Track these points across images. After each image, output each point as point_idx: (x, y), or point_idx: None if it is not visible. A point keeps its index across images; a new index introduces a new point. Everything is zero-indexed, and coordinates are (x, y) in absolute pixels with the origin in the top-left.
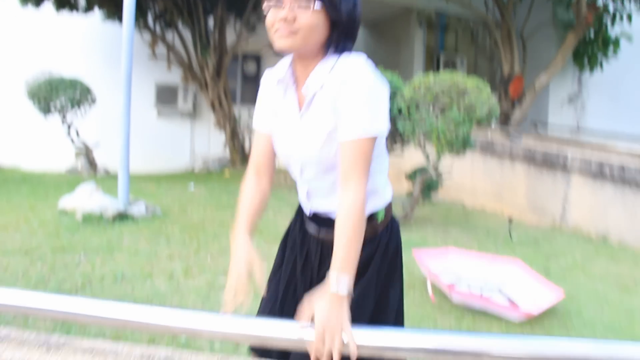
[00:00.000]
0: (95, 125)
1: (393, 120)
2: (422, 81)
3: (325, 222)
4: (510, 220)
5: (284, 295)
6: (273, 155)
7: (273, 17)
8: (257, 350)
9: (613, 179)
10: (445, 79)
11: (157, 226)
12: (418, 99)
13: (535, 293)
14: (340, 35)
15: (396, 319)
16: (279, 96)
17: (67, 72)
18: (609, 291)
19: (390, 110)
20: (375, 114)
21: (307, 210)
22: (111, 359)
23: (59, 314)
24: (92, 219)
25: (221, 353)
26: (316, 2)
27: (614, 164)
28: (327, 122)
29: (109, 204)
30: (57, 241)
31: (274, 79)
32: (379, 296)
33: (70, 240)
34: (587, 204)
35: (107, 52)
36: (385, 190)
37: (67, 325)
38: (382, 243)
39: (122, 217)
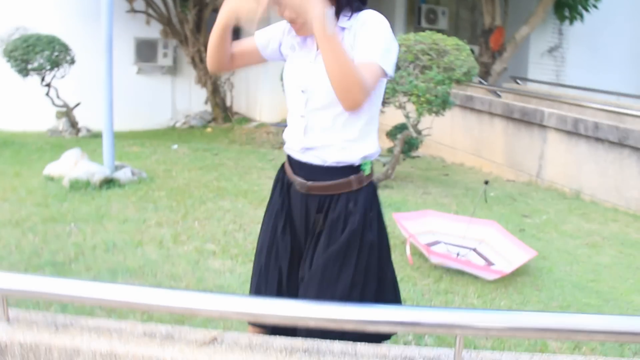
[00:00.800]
0: (74, 83)
1: None
2: (403, 40)
3: (314, 171)
4: (486, 182)
5: (275, 269)
6: (243, 53)
7: (281, 13)
8: (254, 324)
9: (587, 136)
10: (425, 38)
11: (143, 191)
12: (399, 58)
13: (509, 253)
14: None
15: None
16: (293, 37)
17: (41, 28)
18: (578, 248)
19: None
20: (387, 53)
21: (300, 147)
22: (116, 336)
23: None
24: (79, 186)
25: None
26: None
27: (588, 120)
28: None
29: (96, 170)
30: (47, 210)
31: (282, 29)
32: (375, 269)
33: (59, 209)
34: (562, 161)
35: (81, 6)
36: (376, 145)
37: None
38: (360, 203)
39: (108, 182)
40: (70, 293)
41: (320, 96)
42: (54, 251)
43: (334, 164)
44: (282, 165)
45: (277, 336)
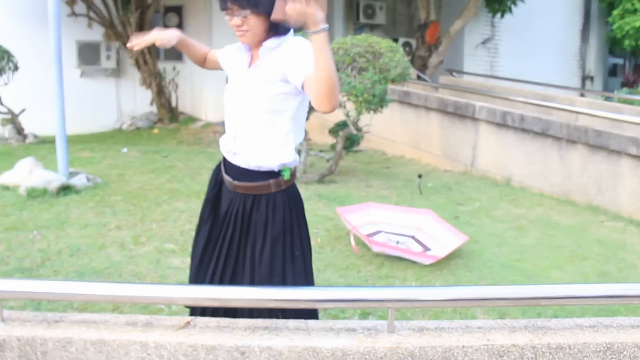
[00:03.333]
0: (17, 89)
1: None
2: (340, 44)
3: (239, 173)
4: (419, 176)
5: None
6: (213, 59)
7: (229, 22)
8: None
9: (515, 128)
10: (361, 41)
11: (100, 197)
12: (337, 61)
13: (444, 239)
14: (274, 25)
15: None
16: (237, 55)
17: None
18: (507, 232)
19: None
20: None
21: (229, 151)
22: (103, 326)
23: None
24: (36, 194)
25: (188, 316)
26: (246, 11)
27: (515, 113)
28: (271, 75)
29: (52, 178)
30: (7, 219)
31: (235, 48)
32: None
33: (20, 218)
34: (493, 151)
35: (21, 11)
36: (295, 154)
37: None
38: (279, 205)
39: (65, 189)
40: (60, 291)
41: (247, 108)
42: (20, 258)
43: (256, 168)
44: (218, 165)
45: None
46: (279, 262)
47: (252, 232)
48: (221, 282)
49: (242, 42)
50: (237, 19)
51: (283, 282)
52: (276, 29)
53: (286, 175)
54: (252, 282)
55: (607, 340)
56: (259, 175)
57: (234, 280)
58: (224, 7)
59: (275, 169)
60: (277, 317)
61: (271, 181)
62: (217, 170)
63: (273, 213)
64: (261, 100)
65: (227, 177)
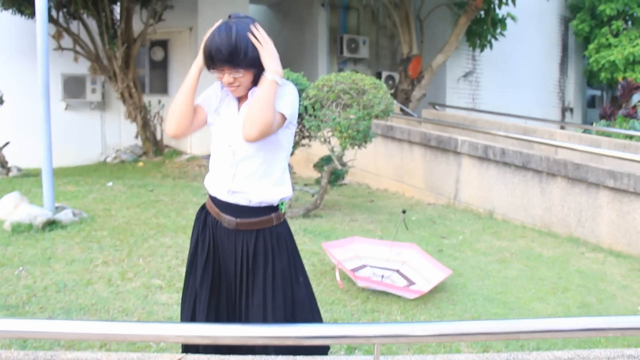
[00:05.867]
0: (0, 121)
1: (300, 117)
2: (325, 81)
3: (240, 210)
4: (404, 212)
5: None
6: (196, 116)
7: (218, 77)
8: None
9: (496, 161)
10: (345, 78)
11: (86, 232)
12: (322, 97)
13: (428, 273)
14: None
15: (311, 305)
16: (223, 102)
17: None
18: (490, 264)
19: (297, 109)
20: (291, 107)
21: (229, 190)
22: None
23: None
24: (21, 229)
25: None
26: (240, 70)
27: (496, 147)
28: None
29: (38, 213)
30: None
31: (221, 88)
32: (291, 290)
33: (4, 253)
34: (475, 184)
35: (5, 44)
36: (290, 189)
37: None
38: (282, 236)
39: (51, 224)
40: (52, 330)
41: (243, 148)
42: (5, 294)
43: (258, 204)
44: (203, 206)
45: (233, 355)
46: (289, 290)
47: (262, 266)
48: (235, 319)
49: (234, 96)
50: (230, 77)
51: (293, 309)
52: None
53: (283, 209)
54: (265, 313)
55: None
56: (261, 210)
57: (247, 314)
58: (213, 67)
59: (275, 203)
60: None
61: (273, 215)
62: (204, 213)
63: (278, 245)
64: (261, 140)
65: (226, 217)
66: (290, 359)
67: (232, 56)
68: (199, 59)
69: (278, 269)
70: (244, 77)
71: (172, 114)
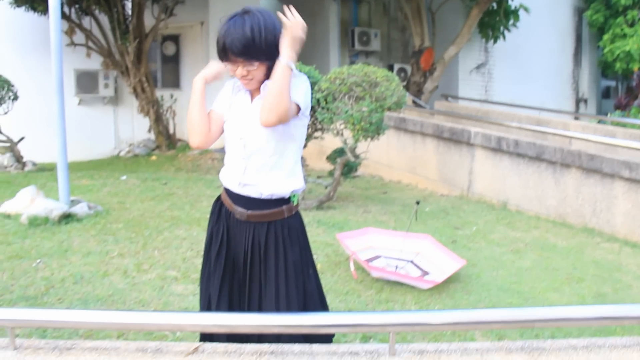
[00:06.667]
0: (15, 117)
1: (313, 110)
2: (337, 73)
3: (252, 203)
4: (417, 203)
5: (226, 287)
6: (214, 123)
7: (231, 69)
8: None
9: (510, 152)
10: (357, 71)
11: (102, 225)
12: (334, 90)
13: (442, 263)
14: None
15: (320, 298)
16: (235, 96)
17: None
18: (504, 255)
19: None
20: (306, 97)
21: (240, 183)
22: (114, 354)
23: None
24: (38, 222)
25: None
26: (254, 63)
27: (510, 138)
28: None
29: (54, 206)
30: (9, 248)
31: (233, 85)
32: (302, 280)
33: (22, 246)
34: (489, 175)
35: (18, 41)
36: (302, 180)
37: (41, 331)
38: (294, 228)
39: (67, 217)
40: (73, 320)
41: (254, 141)
42: (24, 286)
43: (269, 197)
44: (218, 198)
45: (248, 343)
46: (301, 282)
47: (273, 257)
48: (247, 307)
49: (246, 89)
50: (243, 70)
51: (304, 300)
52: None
53: (295, 201)
54: (278, 303)
55: None
56: (272, 202)
57: (261, 304)
58: (227, 60)
59: (287, 196)
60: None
61: (284, 207)
62: (219, 204)
63: (290, 237)
64: (271, 131)
65: (238, 209)
66: (306, 347)
67: (246, 49)
68: (202, 72)
69: (290, 261)
70: (258, 70)
71: (190, 128)
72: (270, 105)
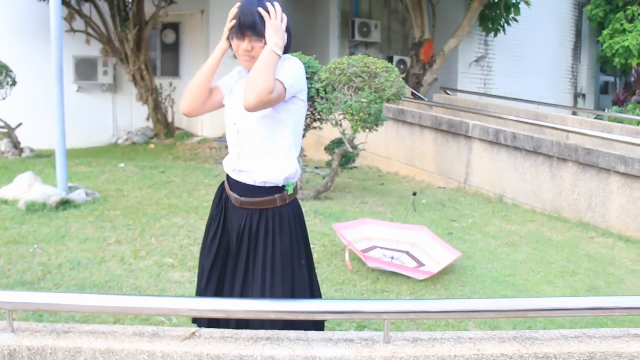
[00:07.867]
0: (13, 102)
1: (312, 100)
2: (337, 64)
3: (246, 189)
4: (414, 194)
5: (220, 270)
6: (212, 97)
7: (237, 46)
8: (197, 321)
9: (507, 145)
10: (357, 61)
11: (99, 211)
12: (333, 80)
13: (437, 254)
14: None
15: (312, 289)
16: (236, 84)
17: None
18: (499, 247)
19: (309, 90)
20: (292, 77)
21: (234, 169)
22: (111, 338)
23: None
24: (35, 208)
25: (192, 327)
26: (262, 39)
27: (507, 131)
28: None
29: (51, 192)
30: (6, 233)
31: (239, 72)
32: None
33: (19, 231)
34: (486, 168)
35: (17, 27)
36: (296, 166)
37: (40, 314)
38: (285, 218)
39: (64, 203)
40: (71, 303)
41: (245, 126)
42: (21, 271)
43: (261, 184)
44: (222, 183)
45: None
46: (289, 272)
47: (262, 245)
48: (231, 294)
49: (246, 67)
50: (248, 45)
51: (292, 290)
52: None
53: (290, 190)
54: (264, 291)
55: (590, 350)
56: (265, 190)
57: (244, 291)
58: (240, 33)
59: (280, 184)
60: (292, 328)
61: (277, 196)
62: (221, 189)
63: (280, 226)
64: (261, 116)
65: (233, 194)
66: (301, 334)
67: (258, 23)
68: (222, 43)
69: (278, 250)
70: (259, 46)
71: (187, 91)
72: (249, 85)
